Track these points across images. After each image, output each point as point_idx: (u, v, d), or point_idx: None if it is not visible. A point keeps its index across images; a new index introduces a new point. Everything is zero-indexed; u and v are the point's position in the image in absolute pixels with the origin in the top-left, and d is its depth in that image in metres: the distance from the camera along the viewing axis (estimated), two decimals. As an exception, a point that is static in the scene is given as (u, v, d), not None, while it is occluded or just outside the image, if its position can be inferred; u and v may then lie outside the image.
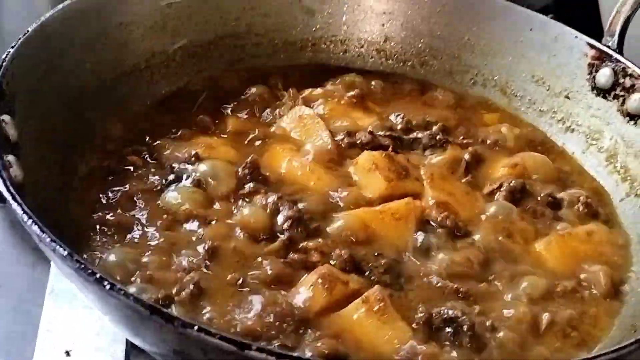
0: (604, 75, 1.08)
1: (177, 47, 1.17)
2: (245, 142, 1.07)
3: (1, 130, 0.80)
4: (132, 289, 0.78)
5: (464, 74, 1.24)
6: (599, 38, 1.10)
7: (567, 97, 1.14)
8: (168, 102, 1.13)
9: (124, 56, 1.11)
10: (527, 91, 1.18)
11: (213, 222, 0.90)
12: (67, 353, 0.85)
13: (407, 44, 1.26)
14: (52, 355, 0.85)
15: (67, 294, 0.92)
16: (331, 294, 0.81)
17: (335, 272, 0.84)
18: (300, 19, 1.26)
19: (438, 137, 1.10)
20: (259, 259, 0.86)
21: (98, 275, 0.62)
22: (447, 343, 0.79)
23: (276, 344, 0.75)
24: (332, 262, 0.86)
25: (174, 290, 0.80)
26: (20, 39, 0.92)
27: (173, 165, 0.98)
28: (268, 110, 1.13)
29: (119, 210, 0.91)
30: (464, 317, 0.80)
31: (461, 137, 1.12)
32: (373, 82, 1.23)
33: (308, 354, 0.74)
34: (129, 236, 0.88)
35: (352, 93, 1.17)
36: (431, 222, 0.94)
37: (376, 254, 0.89)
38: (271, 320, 0.78)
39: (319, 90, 1.18)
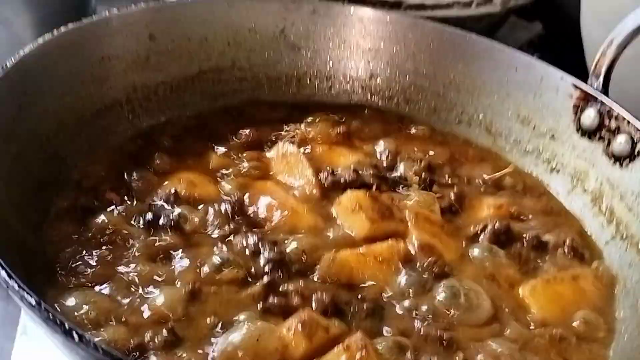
0: (589, 116, 1.07)
1: (160, 81, 1.16)
2: (228, 178, 1.05)
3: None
4: (104, 334, 0.75)
5: (449, 112, 1.23)
6: (585, 71, 1.09)
7: (552, 137, 1.13)
8: (148, 136, 1.11)
9: (105, 91, 1.09)
10: (512, 130, 1.18)
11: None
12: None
13: (393, 81, 1.26)
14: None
15: (39, 333, 0.89)
16: (311, 340, 0.79)
17: (316, 317, 0.82)
18: (285, 54, 1.25)
19: (423, 175, 1.08)
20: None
21: (67, 326, 0.59)
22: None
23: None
24: (313, 304, 0.84)
25: (147, 338, 0.77)
26: (-6, 76, 0.89)
27: (151, 203, 0.96)
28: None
29: (95, 251, 0.88)
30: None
31: (447, 176, 1.11)
32: (358, 119, 1.22)
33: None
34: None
35: (337, 130, 1.16)
36: (417, 266, 0.92)
37: (359, 296, 0.87)
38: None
39: (303, 127, 1.16)
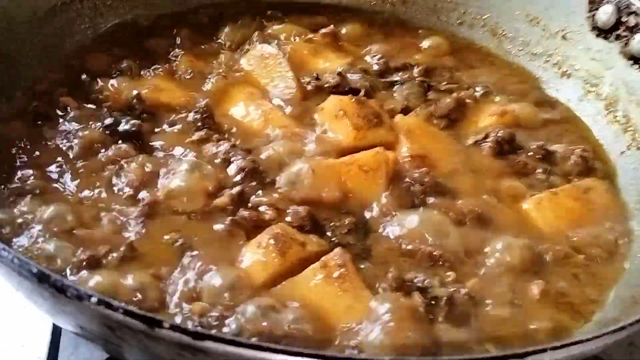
0: (606, 12, 0.98)
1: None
2: (201, 84, 0.94)
3: None
4: (48, 247, 0.67)
5: (449, 13, 1.13)
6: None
7: (563, 37, 1.04)
8: (112, 35, 1.01)
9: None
10: (519, 32, 1.08)
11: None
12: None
13: (388, -23, 1.15)
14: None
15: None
16: (284, 257, 0.70)
17: (291, 231, 0.73)
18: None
19: (419, 80, 0.98)
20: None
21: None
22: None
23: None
24: (287, 219, 0.75)
25: (102, 252, 0.69)
26: None
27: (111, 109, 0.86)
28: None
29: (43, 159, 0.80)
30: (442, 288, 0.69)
31: (444, 82, 1.00)
32: (348, 20, 1.11)
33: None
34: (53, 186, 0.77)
35: (323, 30, 1.06)
36: (407, 178, 0.82)
37: (341, 211, 0.77)
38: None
39: (285, 26, 1.05)
